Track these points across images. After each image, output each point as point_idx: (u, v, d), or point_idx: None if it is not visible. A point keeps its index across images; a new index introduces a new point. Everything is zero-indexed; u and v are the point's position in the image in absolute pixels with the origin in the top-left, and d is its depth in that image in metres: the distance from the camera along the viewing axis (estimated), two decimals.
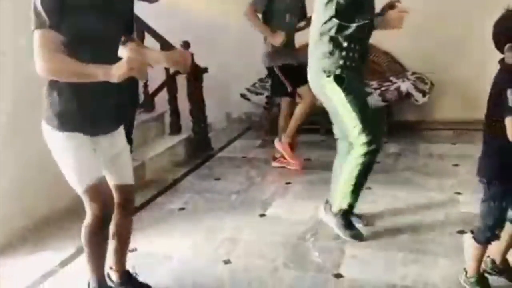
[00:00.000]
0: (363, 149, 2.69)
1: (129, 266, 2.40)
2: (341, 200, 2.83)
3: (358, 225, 2.92)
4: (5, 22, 2.88)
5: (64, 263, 2.76)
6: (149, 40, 4.44)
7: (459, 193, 3.38)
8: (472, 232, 2.24)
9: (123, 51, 2.12)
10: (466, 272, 2.27)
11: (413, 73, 4.92)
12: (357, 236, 2.81)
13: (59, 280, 2.63)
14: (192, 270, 2.65)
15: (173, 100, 4.56)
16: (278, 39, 3.84)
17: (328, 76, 2.66)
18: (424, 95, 4.64)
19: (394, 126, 4.89)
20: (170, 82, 4.52)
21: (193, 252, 2.86)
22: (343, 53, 2.62)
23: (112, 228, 2.20)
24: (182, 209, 3.47)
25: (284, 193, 3.69)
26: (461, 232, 2.84)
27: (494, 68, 5.07)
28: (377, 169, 3.94)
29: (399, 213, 3.15)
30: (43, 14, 1.77)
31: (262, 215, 3.28)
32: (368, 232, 2.90)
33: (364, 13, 2.60)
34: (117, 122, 2.14)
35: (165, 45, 4.43)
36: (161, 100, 4.67)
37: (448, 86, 4.98)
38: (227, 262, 2.70)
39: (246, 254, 2.78)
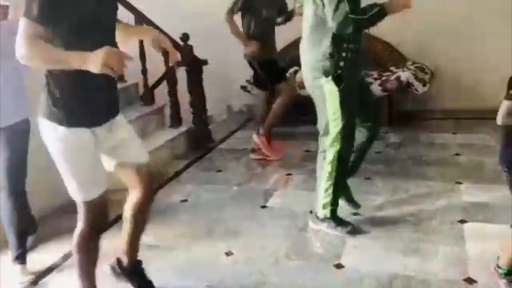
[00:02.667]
0: (336, 151, 2.70)
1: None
2: (323, 209, 2.83)
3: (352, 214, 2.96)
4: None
5: (64, 258, 2.77)
6: None
7: (460, 183, 3.38)
8: None
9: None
10: (498, 258, 2.22)
11: (413, 63, 4.90)
12: (354, 231, 2.80)
13: (58, 276, 2.64)
14: (194, 262, 2.66)
15: (173, 92, 4.55)
16: (251, 48, 3.91)
17: (327, 76, 2.65)
18: (424, 85, 4.63)
19: (394, 116, 4.87)
20: (170, 75, 4.51)
21: (195, 244, 2.87)
22: (343, 54, 2.62)
23: (128, 211, 2.17)
24: (184, 201, 3.48)
25: (285, 184, 3.69)
26: (462, 221, 2.85)
27: (494, 58, 5.06)
28: (378, 159, 3.97)
29: (400, 203, 3.15)
30: (35, 6, 1.72)
31: (264, 207, 3.29)
32: (369, 222, 2.91)
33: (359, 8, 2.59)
34: (114, 110, 2.09)
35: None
36: (161, 93, 4.66)
37: (448, 76, 4.96)
38: (228, 253, 2.71)
39: (248, 246, 2.79)
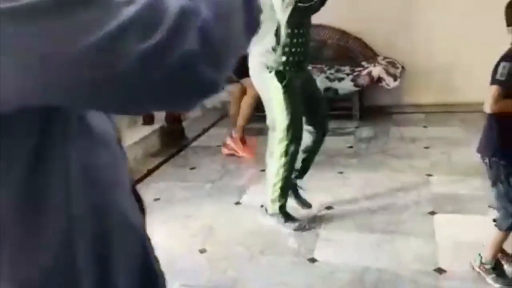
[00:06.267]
0: (283, 147, 2.72)
1: None
2: (273, 204, 2.86)
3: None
4: None
5: None
6: None
7: (430, 175, 3.44)
8: (494, 220, 2.20)
9: None
10: (481, 257, 2.23)
11: (384, 58, 4.96)
12: (301, 227, 2.84)
13: None
14: (169, 260, 2.63)
15: None
16: None
17: (270, 72, 2.69)
18: (395, 79, 4.69)
19: (366, 110, 4.94)
20: None
21: (169, 242, 2.85)
22: (286, 49, 2.67)
23: None
24: (157, 199, 3.45)
25: (259, 181, 3.67)
26: (433, 213, 2.90)
27: (464, 52, 5.12)
28: (350, 153, 4.02)
29: (371, 196, 3.20)
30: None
31: (238, 203, 3.29)
32: (342, 215, 2.95)
33: None
34: None
35: None
36: None
37: (419, 70, 5.04)
38: (203, 250, 2.71)
39: (222, 242, 2.79)
